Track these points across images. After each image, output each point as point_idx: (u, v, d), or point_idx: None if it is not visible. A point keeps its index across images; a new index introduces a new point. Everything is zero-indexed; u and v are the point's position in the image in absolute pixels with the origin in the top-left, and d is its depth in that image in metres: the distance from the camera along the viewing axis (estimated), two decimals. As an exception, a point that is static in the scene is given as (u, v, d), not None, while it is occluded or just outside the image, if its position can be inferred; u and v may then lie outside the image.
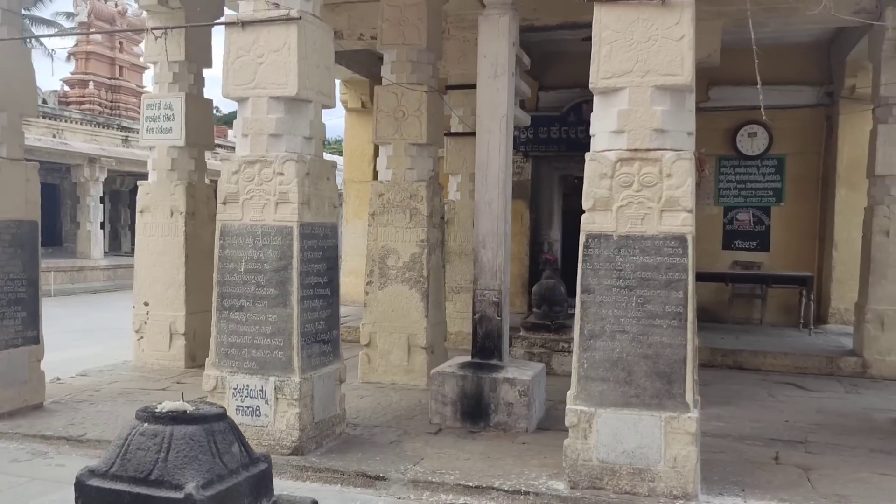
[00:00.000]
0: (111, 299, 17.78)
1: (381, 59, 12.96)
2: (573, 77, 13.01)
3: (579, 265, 4.81)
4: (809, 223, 12.46)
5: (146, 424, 2.42)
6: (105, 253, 21.95)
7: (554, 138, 13.07)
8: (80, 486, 2.38)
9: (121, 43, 23.85)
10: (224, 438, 2.47)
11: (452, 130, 10.74)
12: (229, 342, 5.48)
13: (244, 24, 5.37)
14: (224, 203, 5.50)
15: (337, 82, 12.76)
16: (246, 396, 5.39)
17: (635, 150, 4.71)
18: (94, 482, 2.36)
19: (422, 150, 7.90)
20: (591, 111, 13.84)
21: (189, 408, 2.48)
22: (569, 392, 4.87)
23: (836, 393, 8.14)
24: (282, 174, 5.34)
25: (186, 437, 2.36)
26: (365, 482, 5.03)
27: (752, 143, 12.52)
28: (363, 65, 12.66)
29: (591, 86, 4.80)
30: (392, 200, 7.88)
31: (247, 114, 5.44)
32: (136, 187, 25.00)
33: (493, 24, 6.39)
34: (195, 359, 8.62)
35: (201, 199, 8.77)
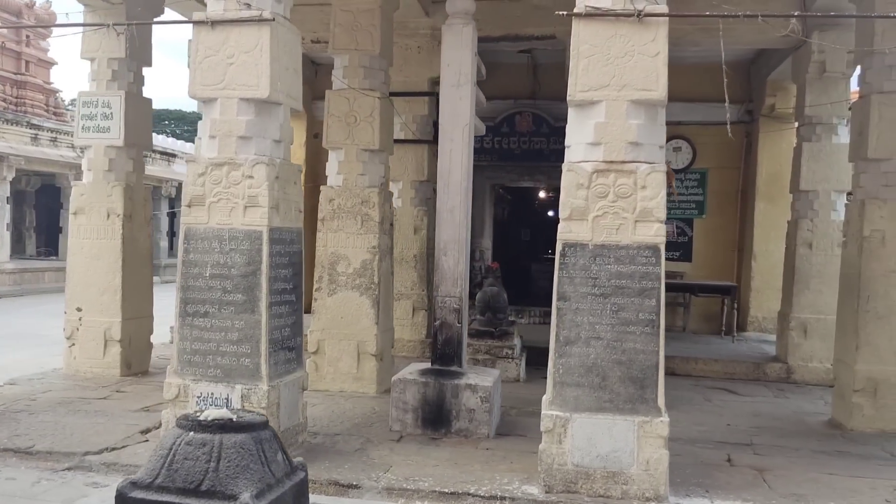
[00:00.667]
0: (20, 304, 16.91)
1: (313, 62, 12.94)
2: (507, 88, 13.25)
3: (556, 273, 4.91)
4: (729, 235, 13.01)
5: (192, 433, 2.35)
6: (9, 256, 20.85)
7: (487, 148, 13.20)
8: (123, 500, 2.28)
9: (27, 36, 22.75)
10: (270, 447, 2.43)
11: (394, 137, 10.74)
12: (193, 349, 5.33)
13: (213, 23, 5.26)
14: (189, 206, 5.35)
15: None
16: (210, 405, 5.23)
17: (611, 161, 4.84)
18: (138, 494, 2.28)
19: (374, 157, 7.87)
20: (524, 122, 14.00)
21: (234, 416, 2.42)
22: (544, 397, 4.94)
23: (766, 397, 8.53)
24: (251, 177, 5.24)
25: (237, 446, 2.30)
26: (338, 490, 4.97)
27: (676, 157, 12.99)
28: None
29: (568, 98, 4.90)
30: (343, 206, 7.82)
31: (215, 115, 5.31)
32: (42, 187, 23.77)
33: (457, 34, 6.45)
34: (131, 366, 8.32)
35: (139, 201, 8.48)
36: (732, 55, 12.12)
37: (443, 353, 6.55)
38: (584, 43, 4.85)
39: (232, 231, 5.27)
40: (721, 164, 12.98)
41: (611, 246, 4.84)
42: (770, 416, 7.52)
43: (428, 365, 6.70)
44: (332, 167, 7.97)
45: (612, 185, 4.83)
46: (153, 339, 8.87)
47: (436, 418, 6.21)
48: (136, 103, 8.38)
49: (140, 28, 8.15)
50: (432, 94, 10.52)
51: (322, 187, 7.98)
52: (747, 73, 12.75)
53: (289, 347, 5.57)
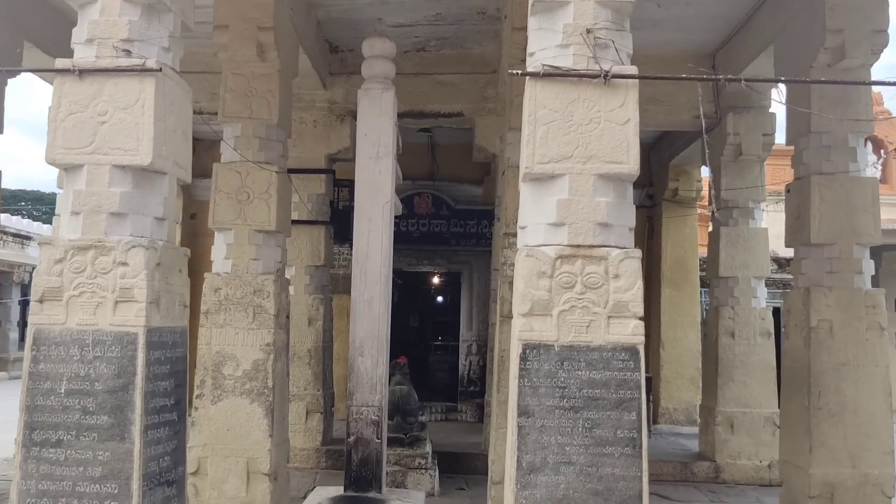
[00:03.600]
0: None
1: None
2: (406, 168, 12.37)
3: (515, 381, 4.00)
4: (635, 322, 12.56)
5: None
6: None
7: (382, 231, 12.36)
8: None
9: None
10: None
11: (289, 218, 9.75)
12: (40, 490, 4.01)
13: (82, 72, 4.18)
14: (41, 301, 4.13)
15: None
16: (62, 566, 3.94)
17: (577, 245, 4.04)
18: None
19: (269, 238, 6.81)
20: (423, 204, 13.21)
21: None
22: (503, 541, 3.96)
23: (702, 503, 7.84)
24: (125, 264, 4.11)
25: None
26: None
27: (579, 241, 12.54)
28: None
29: (525, 170, 4.11)
30: (231, 296, 6.67)
31: (80, 186, 4.17)
32: None
33: (375, 100, 5.62)
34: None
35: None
36: (634, 139, 11.91)
37: (358, 476, 5.45)
38: (542, 108, 4.09)
39: (97, 333, 4.09)
40: (624, 248, 12.61)
41: (581, 347, 3.99)
42: (717, 528, 6.79)
43: (339, 489, 5.59)
44: (218, 251, 6.84)
45: (580, 273, 4.03)
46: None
47: (353, 559, 5.08)
48: (-21, 175, 7.04)
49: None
50: (329, 172, 9.63)
51: (206, 275, 6.80)
52: (647, 157, 12.57)
53: (168, 482, 4.36)
